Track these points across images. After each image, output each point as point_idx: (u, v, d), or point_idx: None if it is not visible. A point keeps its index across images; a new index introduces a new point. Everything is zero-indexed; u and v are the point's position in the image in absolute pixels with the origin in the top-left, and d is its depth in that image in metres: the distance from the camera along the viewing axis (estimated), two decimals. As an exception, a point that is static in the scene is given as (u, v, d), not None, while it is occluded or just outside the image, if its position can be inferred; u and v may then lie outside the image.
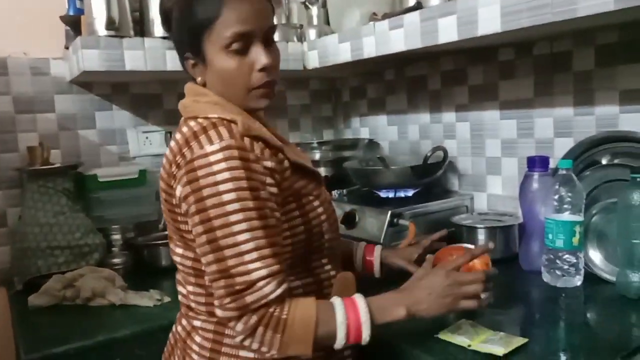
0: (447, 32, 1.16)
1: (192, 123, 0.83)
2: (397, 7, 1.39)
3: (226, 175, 0.76)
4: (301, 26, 1.77)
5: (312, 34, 1.71)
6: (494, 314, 0.97)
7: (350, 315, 0.79)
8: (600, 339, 0.88)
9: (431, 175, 1.49)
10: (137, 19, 1.51)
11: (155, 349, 1.06)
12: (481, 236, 1.27)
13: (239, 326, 0.76)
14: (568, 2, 0.91)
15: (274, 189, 0.81)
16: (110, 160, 1.70)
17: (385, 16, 1.36)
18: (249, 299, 0.75)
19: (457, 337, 0.88)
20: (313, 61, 1.64)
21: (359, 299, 0.82)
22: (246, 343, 0.77)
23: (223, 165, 0.76)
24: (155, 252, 1.49)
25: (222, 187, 0.75)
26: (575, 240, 1.05)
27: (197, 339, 0.87)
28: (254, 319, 0.75)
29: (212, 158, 0.76)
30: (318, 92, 2.10)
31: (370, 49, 1.39)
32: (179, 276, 0.92)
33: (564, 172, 1.07)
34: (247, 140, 0.80)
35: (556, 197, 1.06)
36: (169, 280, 0.96)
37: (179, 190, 0.80)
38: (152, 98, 1.75)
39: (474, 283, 0.84)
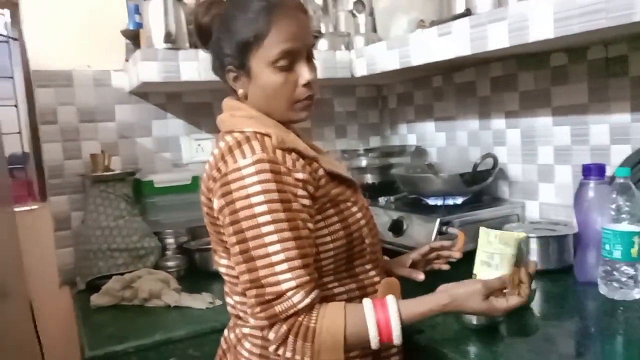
0: (498, 38, 1.15)
1: (228, 138, 0.86)
2: (445, 13, 1.38)
3: (258, 188, 0.79)
4: (349, 34, 1.79)
5: (359, 41, 1.73)
6: (548, 327, 0.95)
7: (380, 314, 0.81)
8: (661, 354, 0.84)
9: (481, 183, 1.47)
10: (192, 31, 1.57)
11: (208, 351, 1.10)
12: (533, 245, 1.24)
13: (271, 335, 0.79)
14: (624, 6, 0.89)
15: (306, 201, 0.83)
16: (164, 166, 1.77)
17: (433, 23, 1.36)
18: (278, 308, 0.77)
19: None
20: (361, 69, 1.65)
21: (389, 298, 0.83)
22: (280, 352, 0.79)
23: (255, 178, 0.79)
24: (207, 256, 1.54)
25: (254, 200, 0.78)
26: (634, 251, 1.02)
27: (247, 345, 0.90)
28: (284, 328, 0.77)
29: (245, 172, 0.80)
30: (365, 99, 2.11)
31: (418, 56, 1.39)
32: (226, 288, 0.95)
33: (622, 180, 1.03)
34: (279, 152, 0.83)
35: (613, 206, 1.03)
36: (220, 284, 1.00)
37: (215, 203, 0.84)
38: (204, 107, 1.81)
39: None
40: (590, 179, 1.14)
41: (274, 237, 0.78)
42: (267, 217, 0.78)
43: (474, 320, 0.94)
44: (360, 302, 0.84)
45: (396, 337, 0.81)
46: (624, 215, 1.02)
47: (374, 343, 0.80)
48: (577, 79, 1.36)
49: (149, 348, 1.11)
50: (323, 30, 1.80)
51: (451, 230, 1.29)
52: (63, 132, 1.63)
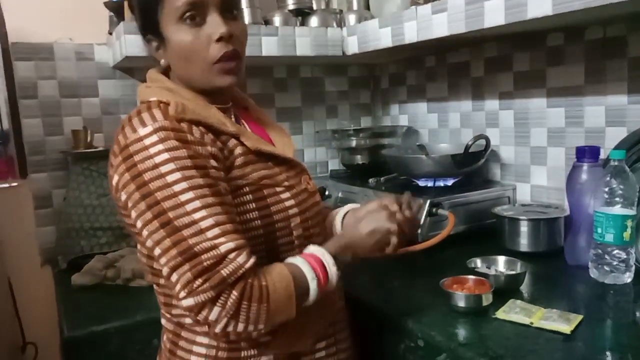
0: (494, 15, 1.11)
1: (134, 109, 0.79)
2: (441, -10, 1.34)
3: (166, 155, 0.70)
4: (341, 11, 1.74)
5: (351, 19, 1.68)
6: (537, 309, 0.93)
7: (310, 260, 0.76)
8: (651, 339, 0.83)
9: (472, 165, 1.44)
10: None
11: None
12: (524, 228, 1.22)
13: (216, 311, 0.68)
14: (627, -19, 0.86)
15: (222, 174, 0.75)
16: (150, 144, 1.72)
17: (428, 0, 1.32)
18: (224, 272, 0.68)
19: (514, 315, 0.89)
20: (352, 47, 1.61)
21: (313, 248, 0.79)
22: (230, 327, 0.69)
23: (160, 146, 0.71)
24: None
25: (163, 169, 0.70)
26: (627, 235, 1.00)
27: (164, 337, 0.87)
28: (234, 295, 0.68)
29: (147, 141, 0.71)
30: (357, 79, 2.07)
31: (411, 34, 1.36)
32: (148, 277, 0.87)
33: (616, 163, 1.01)
34: (185, 124, 0.75)
35: (607, 189, 1.01)
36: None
37: (115, 179, 0.75)
38: (192, 83, 1.76)
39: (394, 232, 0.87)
40: (583, 161, 1.13)
41: (197, 204, 0.69)
42: (184, 184, 0.69)
43: (462, 303, 0.92)
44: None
45: (332, 276, 0.77)
46: (617, 199, 1.00)
47: (313, 290, 0.75)
48: (574, 60, 1.33)
49: (131, 328, 1.08)
50: (315, 6, 1.75)
51: (441, 212, 1.27)
52: (44, 107, 1.58)
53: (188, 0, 0.77)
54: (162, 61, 0.84)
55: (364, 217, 0.88)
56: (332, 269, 0.77)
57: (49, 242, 1.58)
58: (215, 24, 0.78)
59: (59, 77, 1.59)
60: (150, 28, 0.82)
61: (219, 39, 0.78)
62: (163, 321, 0.87)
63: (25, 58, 1.55)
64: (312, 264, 0.76)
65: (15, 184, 1.58)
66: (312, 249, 0.79)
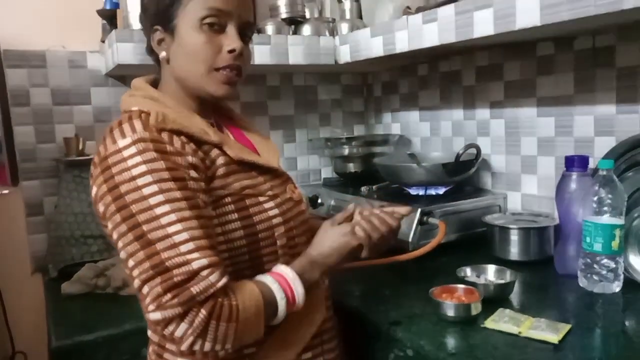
0: (483, 25, 1.12)
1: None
2: (432, 0, 1.35)
3: (143, 168, 0.70)
4: (333, 20, 1.75)
5: (344, 28, 1.69)
6: (526, 319, 0.93)
7: (279, 279, 0.76)
8: (638, 348, 0.83)
9: (463, 173, 1.45)
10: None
11: (181, 341, 1.06)
12: (514, 237, 1.23)
13: (182, 327, 0.67)
14: (613, -7, 0.87)
15: (203, 184, 0.75)
16: (143, 152, 1.72)
17: (419, 10, 1.33)
18: (194, 289, 0.67)
19: (503, 324, 0.89)
20: (345, 56, 1.62)
21: (278, 267, 0.79)
22: (197, 346, 0.68)
23: (138, 159, 0.70)
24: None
25: (140, 182, 0.70)
26: (615, 244, 1.01)
27: (150, 349, 0.87)
28: (202, 313, 0.67)
29: (126, 153, 0.71)
30: (349, 87, 2.08)
31: (403, 43, 1.37)
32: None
33: (605, 172, 1.02)
34: (166, 134, 0.74)
35: (595, 198, 1.02)
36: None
37: (94, 191, 0.74)
38: (185, 91, 1.76)
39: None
40: (572, 170, 1.13)
41: (172, 217, 0.69)
42: (160, 197, 0.69)
43: (451, 312, 0.92)
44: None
45: (299, 296, 0.77)
46: (605, 208, 1.01)
47: (282, 310, 0.75)
48: (563, 69, 1.34)
49: (120, 338, 1.08)
50: (307, 15, 1.76)
51: (432, 220, 1.27)
52: (36, 115, 1.58)
53: (216, 7, 0.80)
54: (163, 54, 0.84)
55: (328, 232, 0.88)
56: (299, 290, 0.78)
57: (40, 250, 1.58)
58: (232, 37, 0.82)
59: (51, 85, 1.59)
60: (161, 20, 0.83)
61: (231, 51, 0.81)
62: (149, 332, 0.87)
63: (18, 65, 1.55)
64: (282, 283, 0.76)
65: (6, 191, 1.58)
66: (281, 269, 0.79)
